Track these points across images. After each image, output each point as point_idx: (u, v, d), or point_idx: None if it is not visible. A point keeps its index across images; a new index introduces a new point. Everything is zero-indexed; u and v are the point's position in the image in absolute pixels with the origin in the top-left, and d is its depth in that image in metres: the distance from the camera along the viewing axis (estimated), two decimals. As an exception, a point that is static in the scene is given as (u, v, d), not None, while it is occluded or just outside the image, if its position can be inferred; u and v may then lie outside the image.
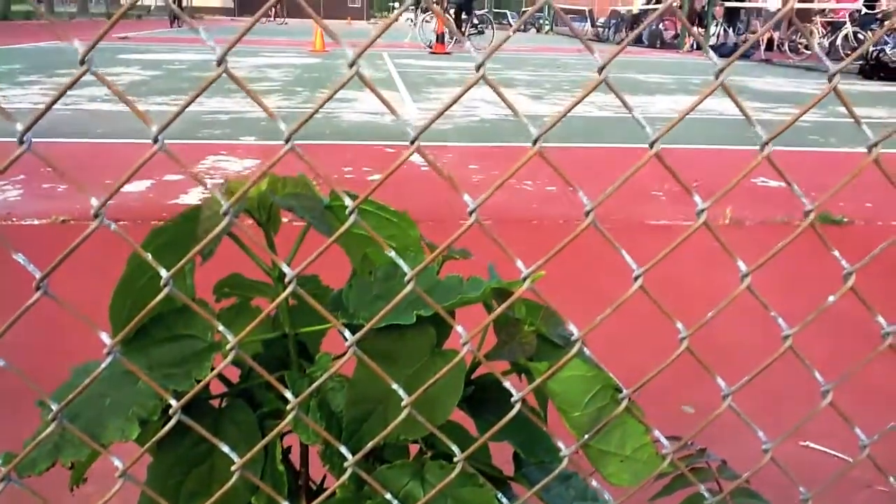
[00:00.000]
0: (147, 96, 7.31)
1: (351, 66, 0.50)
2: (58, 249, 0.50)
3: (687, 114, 0.54)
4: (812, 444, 1.80)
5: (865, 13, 13.56)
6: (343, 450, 0.65)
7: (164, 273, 0.54)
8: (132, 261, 0.68)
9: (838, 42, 13.28)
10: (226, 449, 0.63)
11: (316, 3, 43.00)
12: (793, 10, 0.57)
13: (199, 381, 0.65)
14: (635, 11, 19.93)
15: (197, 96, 0.50)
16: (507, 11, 32.83)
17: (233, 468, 0.63)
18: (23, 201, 3.62)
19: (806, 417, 0.72)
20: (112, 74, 9.13)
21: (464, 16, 15.14)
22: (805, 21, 14.43)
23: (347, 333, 0.61)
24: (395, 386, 0.63)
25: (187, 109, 0.45)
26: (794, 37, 14.82)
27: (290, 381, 0.71)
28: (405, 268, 0.57)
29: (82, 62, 0.48)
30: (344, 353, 0.63)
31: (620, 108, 7.13)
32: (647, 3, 19.64)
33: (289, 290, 0.57)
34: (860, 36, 13.07)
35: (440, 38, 14.54)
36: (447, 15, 14.36)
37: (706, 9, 17.02)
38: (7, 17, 22.67)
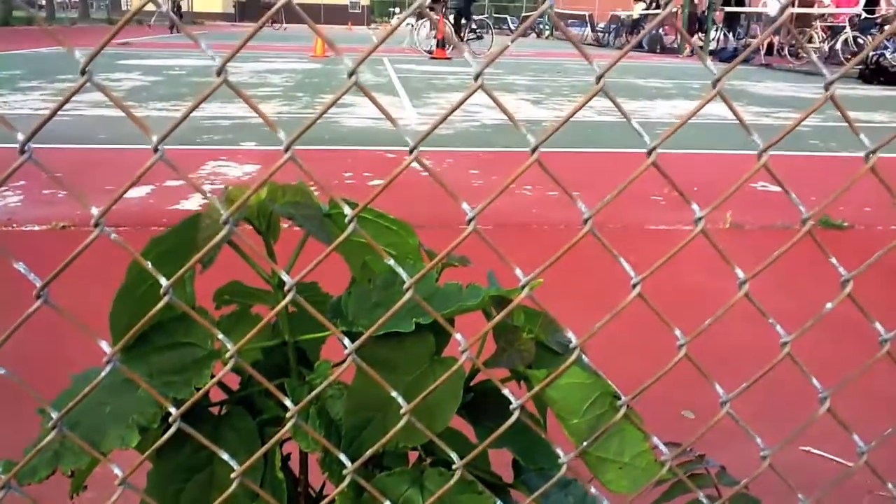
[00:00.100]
0: (148, 102, 7.32)
1: (350, 75, 0.50)
2: (58, 255, 0.50)
3: (684, 123, 0.55)
4: (813, 450, 1.80)
5: (865, 18, 13.58)
6: (342, 457, 0.65)
7: (164, 281, 0.55)
8: (132, 269, 0.68)
9: (838, 46, 13.29)
10: (225, 456, 0.63)
11: (316, 8, 43.11)
12: (790, 18, 0.57)
13: (198, 389, 0.65)
14: (635, 17, 19.95)
15: (196, 106, 0.50)
16: (507, 17, 32.88)
17: (232, 475, 0.64)
18: (23, 207, 3.62)
19: (803, 425, 0.72)
20: (113, 80, 9.15)
21: (463, 21, 15.13)
22: (805, 25, 14.44)
23: (347, 341, 0.61)
24: (394, 393, 0.63)
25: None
26: (794, 41, 14.83)
27: (289, 388, 0.71)
28: (404, 276, 0.57)
29: (83, 72, 0.48)
30: (343, 361, 0.63)
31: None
32: (648, 8, 19.67)
33: (288, 298, 0.58)
34: (860, 40, 13.09)
35: (440, 44, 14.55)
36: (447, 20, 14.42)
37: (706, 14, 17.05)
38: (8, 23, 22.72)
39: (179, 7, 26.49)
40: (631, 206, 3.89)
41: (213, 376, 0.66)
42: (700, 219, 0.57)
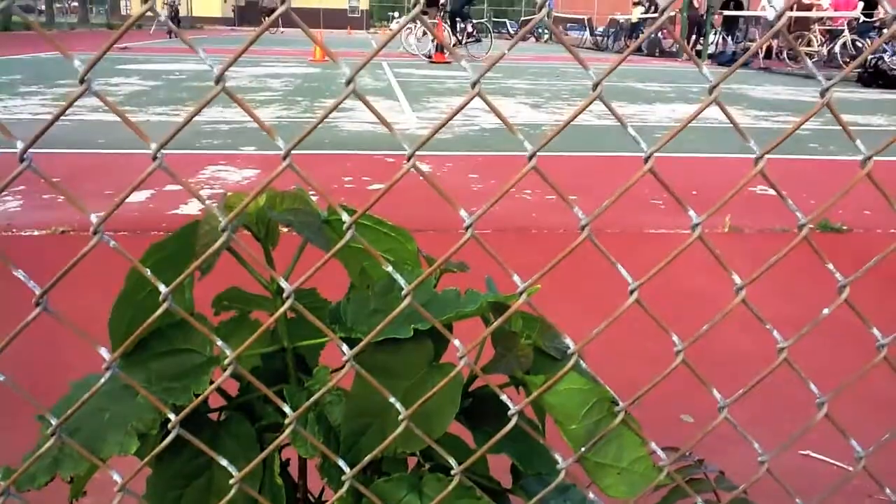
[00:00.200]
0: (147, 107, 7.33)
1: (347, 83, 0.51)
2: (57, 260, 0.50)
3: (681, 129, 0.55)
4: (812, 454, 1.80)
5: (864, 21, 13.61)
6: (341, 463, 0.65)
7: (162, 288, 0.55)
8: (131, 275, 0.68)
9: (836, 49, 13.32)
10: (224, 462, 0.64)
11: (316, 13, 43.16)
12: (788, 22, 0.58)
13: (197, 395, 0.65)
14: (634, 20, 19.99)
15: (196, 113, 0.50)
16: (506, 21, 32.92)
17: (231, 481, 0.64)
18: (23, 212, 3.63)
19: (801, 430, 0.73)
20: (112, 85, 9.16)
21: (459, 24, 15.04)
22: (804, 29, 14.46)
23: (345, 347, 0.61)
24: (392, 399, 0.63)
25: (186, 124, 0.46)
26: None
27: (288, 394, 0.71)
28: (402, 283, 0.58)
29: (82, 81, 0.49)
30: (342, 367, 0.63)
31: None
32: (646, 11, 19.70)
33: (287, 304, 0.58)
34: (858, 44, 13.11)
35: (440, 48, 14.53)
36: (445, 24, 14.40)
37: (705, 17, 17.07)
38: (8, 28, 22.74)
39: (177, 12, 26.46)
40: (630, 209, 3.90)
41: (211, 382, 0.67)
42: (697, 225, 0.58)
